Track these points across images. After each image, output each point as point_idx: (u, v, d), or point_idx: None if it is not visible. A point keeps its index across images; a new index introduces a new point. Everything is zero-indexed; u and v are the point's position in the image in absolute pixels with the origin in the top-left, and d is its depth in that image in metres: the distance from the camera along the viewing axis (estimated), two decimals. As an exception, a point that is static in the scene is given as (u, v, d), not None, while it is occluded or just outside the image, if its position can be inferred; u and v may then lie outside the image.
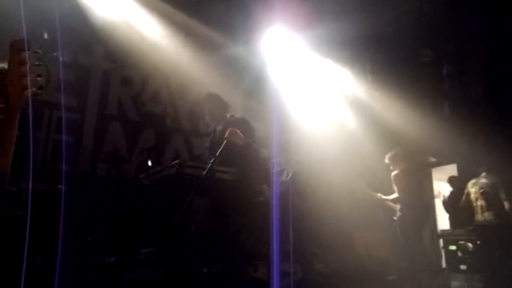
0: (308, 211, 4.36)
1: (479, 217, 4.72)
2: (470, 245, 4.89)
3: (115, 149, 4.65)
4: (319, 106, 5.75)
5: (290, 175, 4.33)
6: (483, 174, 4.81)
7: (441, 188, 5.97)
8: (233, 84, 4.69)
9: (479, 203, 4.73)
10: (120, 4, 4.61)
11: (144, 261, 3.53)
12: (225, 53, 5.18)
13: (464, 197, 4.93)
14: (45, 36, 4.18)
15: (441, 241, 5.49)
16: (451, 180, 5.61)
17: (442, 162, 5.72)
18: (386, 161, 5.13)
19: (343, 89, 6.06)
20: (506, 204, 4.57)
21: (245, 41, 5.24)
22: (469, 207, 4.84)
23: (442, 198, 5.82)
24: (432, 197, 6.17)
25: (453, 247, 5.08)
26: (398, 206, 5.00)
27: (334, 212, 4.58)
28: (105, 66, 4.80)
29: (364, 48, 5.59)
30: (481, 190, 4.75)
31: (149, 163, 4.03)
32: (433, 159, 5.81)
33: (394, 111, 5.49)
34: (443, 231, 5.57)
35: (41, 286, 2.69)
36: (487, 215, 4.63)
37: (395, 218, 5.04)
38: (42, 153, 4.18)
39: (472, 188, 4.85)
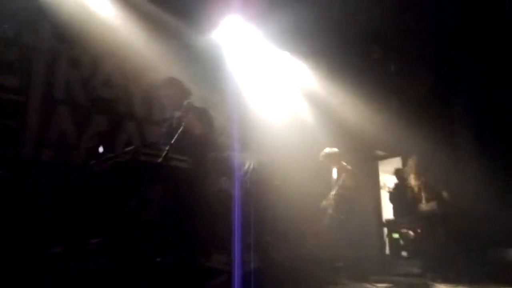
0: (271, 203, 4.42)
1: (422, 207, 5.05)
2: (411, 233, 5.22)
3: (63, 134, 4.40)
4: (277, 98, 5.81)
5: (252, 166, 4.35)
6: (425, 166, 5.14)
7: (387, 180, 6.30)
8: (190, 72, 4.58)
9: (422, 194, 5.05)
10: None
11: (95, 251, 3.40)
12: (182, 40, 5.07)
13: (408, 188, 5.25)
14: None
15: (385, 229, 5.79)
16: (397, 172, 5.93)
17: (388, 155, 6.01)
18: (321, 158, 5.36)
19: (300, 82, 6.17)
20: (445, 194, 4.92)
21: (202, 29, 5.15)
22: (413, 198, 5.16)
23: (387, 189, 6.13)
24: (378, 188, 6.50)
25: (396, 235, 5.40)
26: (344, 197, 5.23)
27: (289, 203, 4.67)
28: (52, 45, 4.50)
29: (319, 43, 5.71)
30: (423, 181, 5.08)
31: (100, 149, 3.86)
32: (380, 153, 6.09)
33: (347, 105, 5.69)
34: (388, 220, 5.89)
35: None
36: (430, 205, 4.97)
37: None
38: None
39: (415, 180, 5.17)
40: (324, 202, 5.32)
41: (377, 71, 6.15)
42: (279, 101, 5.87)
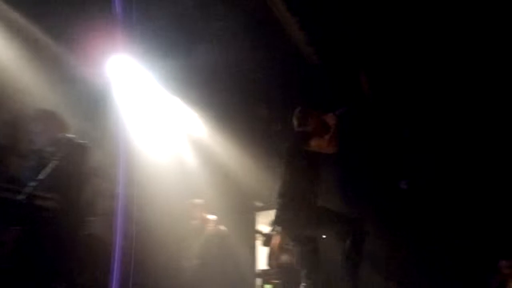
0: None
1: (282, 258, 5.40)
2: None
3: None
4: (162, 142, 5.73)
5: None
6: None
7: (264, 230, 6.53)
8: (71, 103, 4.28)
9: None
10: None
11: None
12: (66, 71, 4.75)
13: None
14: None
15: (258, 280, 5.92)
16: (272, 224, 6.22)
17: (267, 207, 6.29)
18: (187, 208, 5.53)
19: (187, 129, 6.22)
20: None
21: (90, 63, 4.91)
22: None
23: (260, 238, 6.37)
24: (254, 238, 6.68)
25: (268, 286, 5.55)
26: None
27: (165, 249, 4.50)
28: None
29: (210, 93, 5.92)
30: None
31: None
32: (259, 204, 6.36)
33: (231, 156, 5.90)
34: (260, 270, 6.04)
35: None
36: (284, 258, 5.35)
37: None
38: None
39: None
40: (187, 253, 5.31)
41: (262, 127, 6.56)
42: (164, 145, 5.79)
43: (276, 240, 5.47)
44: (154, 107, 5.70)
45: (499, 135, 3.93)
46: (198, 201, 5.63)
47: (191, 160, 6.14)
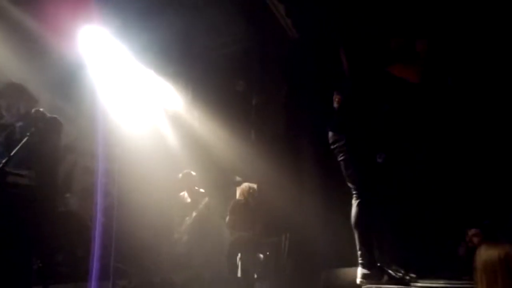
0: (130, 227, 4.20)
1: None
2: (261, 255, 5.54)
3: None
4: (140, 116, 5.65)
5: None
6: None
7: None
8: (41, 77, 4.13)
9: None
10: None
11: None
12: (36, 44, 4.55)
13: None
14: None
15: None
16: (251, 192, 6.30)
17: (245, 181, 6.34)
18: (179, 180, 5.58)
19: (165, 103, 6.13)
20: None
21: (61, 36, 4.72)
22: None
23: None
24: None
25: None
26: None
27: (146, 226, 4.51)
28: None
29: (188, 68, 5.82)
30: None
31: None
32: (238, 178, 6.40)
33: (210, 131, 5.88)
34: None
35: None
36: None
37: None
38: None
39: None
40: (179, 227, 5.34)
41: (240, 102, 6.52)
42: (142, 119, 5.71)
43: None
44: (130, 80, 5.57)
45: (471, 114, 4.01)
46: (193, 173, 5.64)
47: (170, 135, 6.10)
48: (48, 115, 3.16)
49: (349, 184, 3.08)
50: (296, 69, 5.68)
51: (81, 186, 4.50)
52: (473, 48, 4.01)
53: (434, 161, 4.03)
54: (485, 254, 2.01)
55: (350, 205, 3.05)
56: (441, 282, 2.90)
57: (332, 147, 3.14)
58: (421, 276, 3.01)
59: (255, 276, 5.37)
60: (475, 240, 3.83)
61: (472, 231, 3.89)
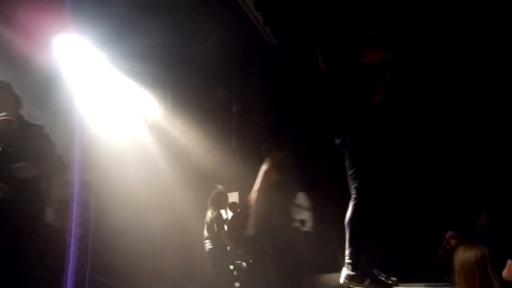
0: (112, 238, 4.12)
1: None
2: (244, 264, 5.53)
3: None
4: (119, 125, 5.56)
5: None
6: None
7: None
8: (16, 86, 4.02)
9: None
10: None
11: None
12: (10, 51, 4.44)
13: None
14: None
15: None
16: (231, 206, 6.33)
17: (227, 189, 6.33)
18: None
19: (144, 111, 6.07)
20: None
21: (38, 43, 4.62)
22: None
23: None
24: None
25: (231, 266, 5.65)
26: None
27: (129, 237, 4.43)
28: None
29: (167, 76, 5.78)
30: None
31: None
32: (220, 186, 6.39)
33: (190, 139, 5.84)
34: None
35: None
36: None
37: None
38: None
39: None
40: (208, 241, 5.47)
41: (220, 110, 6.52)
42: (121, 128, 5.63)
43: None
44: (108, 89, 5.48)
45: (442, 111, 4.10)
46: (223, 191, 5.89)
47: (149, 143, 6.03)
48: (32, 122, 3.07)
49: (350, 185, 3.12)
50: (275, 75, 5.73)
51: (58, 198, 4.39)
52: (446, 51, 4.11)
53: (412, 165, 4.11)
54: (462, 255, 2.07)
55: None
56: (422, 284, 2.95)
57: (342, 150, 3.20)
58: (402, 280, 3.06)
59: (237, 285, 5.37)
60: (452, 242, 3.89)
61: (449, 234, 3.96)
